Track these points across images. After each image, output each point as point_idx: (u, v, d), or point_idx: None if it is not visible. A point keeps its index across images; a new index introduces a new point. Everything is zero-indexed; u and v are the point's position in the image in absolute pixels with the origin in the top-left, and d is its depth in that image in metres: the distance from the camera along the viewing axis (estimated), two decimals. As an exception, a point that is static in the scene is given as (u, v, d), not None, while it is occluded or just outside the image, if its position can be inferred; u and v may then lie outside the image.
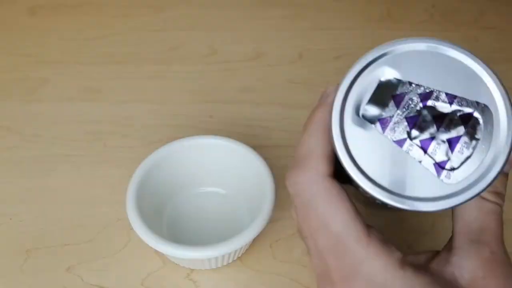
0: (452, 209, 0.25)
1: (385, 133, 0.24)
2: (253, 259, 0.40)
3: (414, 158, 0.24)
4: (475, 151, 0.24)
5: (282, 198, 0.42)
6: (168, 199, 0.42)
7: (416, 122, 0.24)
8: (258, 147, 0.41)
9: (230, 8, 0.61)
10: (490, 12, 0.59)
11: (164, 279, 0.39)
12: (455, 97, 0.24)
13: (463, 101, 0.24)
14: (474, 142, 0.24)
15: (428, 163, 0.24)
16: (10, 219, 0.42)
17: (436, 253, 0.28)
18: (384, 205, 0.26)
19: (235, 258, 0.39)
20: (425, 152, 0.24)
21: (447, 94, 0.24)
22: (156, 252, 0.40)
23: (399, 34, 0.58)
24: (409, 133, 0.24)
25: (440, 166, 0.24)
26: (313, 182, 0.26)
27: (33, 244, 0.41)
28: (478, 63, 0.25)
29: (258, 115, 0.50)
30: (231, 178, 0.42)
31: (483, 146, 0.24)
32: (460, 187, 0.24)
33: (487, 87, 0.24)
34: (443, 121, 0.24)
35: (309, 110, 0.49)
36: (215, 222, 0.41)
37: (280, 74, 0.54)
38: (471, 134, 0.24)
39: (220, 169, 0.42)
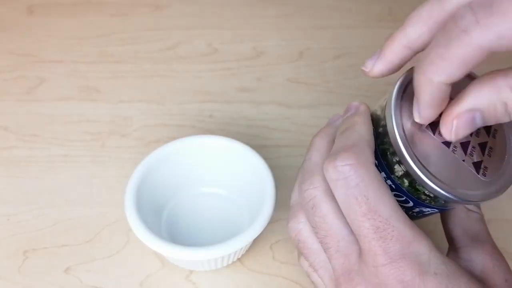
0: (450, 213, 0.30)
1: (435, 135, 0.27)
2: (253, 260, 0.40)
3: (458, 158, 0.27)
4: (496, 154, 0.28)
5: (282, 199, 0.42)
6: (167, 200, 0.41)
7: None
8: (258, 147, 0.41)
9: (230, 6, 0.60)
10: (491, 11, 0.59)
11: (163, 280, 0.39)
12: None
13: None
14: (495, 147, 0.28)
15: (469, 162, 0.28)
16: (8, 219, 0.42)
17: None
18: (417, 214, 0.30)
19: (235, 259, 0.39)
20: (465, 153, 0.28)
21: None
22: (155, 253, 0.39)
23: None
24: None
25: (477, 165, 0.28)
26: (363, 165, 0.26)
27: (31, 245, 0.41)
28: None
29: (258, 115, 0.50)
30: (231, 178, 0.42)
31: (502, 151, 0.29)
32: (492, 184, 0.28)
33: None
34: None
35: (309, 109, 0.50)
36: (214, 223, 0.41)
37: (280, 73, 0.53)
38: (493, 142, 0.29)
39: (220, 169, 0.42)
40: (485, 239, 0.29)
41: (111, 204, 0.42)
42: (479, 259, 0.28)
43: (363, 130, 0.28)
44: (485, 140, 0.28)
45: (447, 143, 0.27)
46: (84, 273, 0.39)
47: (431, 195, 0.28)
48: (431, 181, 0.26)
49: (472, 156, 0.28)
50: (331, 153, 0.28)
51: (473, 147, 0.28)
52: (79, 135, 0.48)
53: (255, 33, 0.57)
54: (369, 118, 0.29)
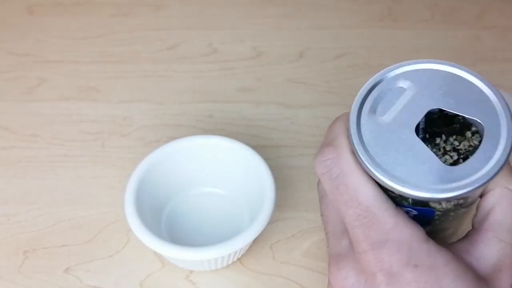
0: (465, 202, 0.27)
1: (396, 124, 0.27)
2: (253, 260, 0.40)
3: (422, 146, 0.26)
4: (477, 152, 0.26)
5: (282, 199, 0.42)
6: (167, 200, 0.41)
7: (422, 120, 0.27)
8: (258, 147, 0.41)
9: (230, 6, 0.60)
10: (492, 11, 0.59)
11: (163, 280, 0.39)
12: (457, 115, 0.27)
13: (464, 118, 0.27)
14: (474, 144, 0.27)
15: (432, 154, 0.26)
16: (8, 219, 0.42)
17: (452, 244, 0.28)
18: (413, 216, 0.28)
19: (234, 259, 0.39)
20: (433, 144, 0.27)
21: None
22: (155, 253, 0.39)
23: (400, 33, 0.58)
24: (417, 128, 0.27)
25: (444, 155, 0.27)
26: (343, 158, 0.27)
27: (31, 245, 0.41)
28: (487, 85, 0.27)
29: (258, 115, 0.49)
30: (231, 178, 0.42)
31: (485, 149, 0.26)
32: (465, 177, 0.25)
33: (491, 102, 0.27)
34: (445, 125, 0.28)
35: (309, 109, 0.50)
36: (214, 223, 0.41)
37: (280, 73, 0.53)
38: (470, 138, 0.27)
39: (220, 169, 0.42)
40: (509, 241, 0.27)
41: (111, 204, 0.42)
42: (491, 263, 0.27)
43: (341, 125, 0.28)
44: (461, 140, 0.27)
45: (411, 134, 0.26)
46: (84, 273, 0.39)
47: (388, 188, 0.26)
48: (370, 166, 0.25)
49: (439, 148, 0.27)
50: (319, 150, 0.29)
51: (443, 140, 0.27)
52: (79, 135, 0.48)
53: (255, 33, 0.57)
54: (348, 116, 0.28)
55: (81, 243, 0.41)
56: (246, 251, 0.40)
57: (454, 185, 0.25)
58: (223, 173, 0.42)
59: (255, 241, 0.39)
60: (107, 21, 0.59)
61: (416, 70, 0.28)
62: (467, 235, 0.28)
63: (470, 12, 0.59)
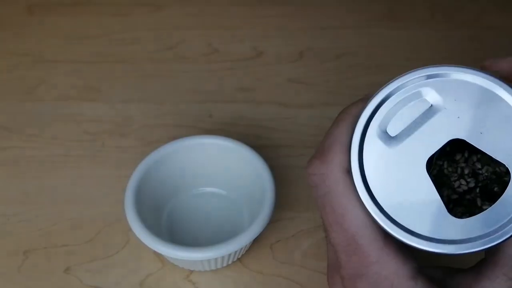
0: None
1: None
2: (253, 260, 0.40)
3: (429, 186, 0.23)
4: (497, 203, 0.22)
5: (282, 198, 0.42)
6: (167, 200, 0.41)
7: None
8: (258, 147, 0.41)
9: (230, 6, 0.60)
10: (492, 11, 0.59)
11: (163, 280, 0.39)
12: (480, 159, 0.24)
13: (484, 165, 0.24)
14: (499, 171, 0.24)
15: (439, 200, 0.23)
16: (8, 219, 0.42)
17: (457, 271, 0.27)
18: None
19: (234, 259, 0.39)
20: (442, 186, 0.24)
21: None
22: (155, 253, 0.39)
23: (400, 33, 0.58)
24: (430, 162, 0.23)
25: (459, 178, 0.24)
26: (331, 175, 0.24)
27: (31, 245, 0.41)
28: None
29: (258, 115, 0.49)
30: (231, 178, 0.42)
31: (505, 202, 0.22)
32: (470, 234, 0.22)
33: None
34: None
35: (309, 109, 0.50)
36: (214, 223, 0.41)
37: (280, 73, 0.53)
38: (497, 163, 0.23)
39: (220, 169, 0.42)
40: None
41: (111, 204, 0.42)
42: None
43: (341, 131, 0.25)
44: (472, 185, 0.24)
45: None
46: (84, 273, 0.39)
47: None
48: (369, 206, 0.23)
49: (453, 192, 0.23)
50: (311, 157, 0.26)
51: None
52: (79, 135, 0.48)
53: (255, 33, 0.57)
54: (353, 118, 0.25)
55: (81, 243, 0.41)
56: (246, 251, 0.40)
57: (454, 241, 0.22)
58: (223, 173, 0.42)
59: (255, 241, 0.39)
60: (107, 21, 0.59)
61: (445, 80, 0.23)
62: (477, 266, 0.26)
63: (470, 12, 0.59)
